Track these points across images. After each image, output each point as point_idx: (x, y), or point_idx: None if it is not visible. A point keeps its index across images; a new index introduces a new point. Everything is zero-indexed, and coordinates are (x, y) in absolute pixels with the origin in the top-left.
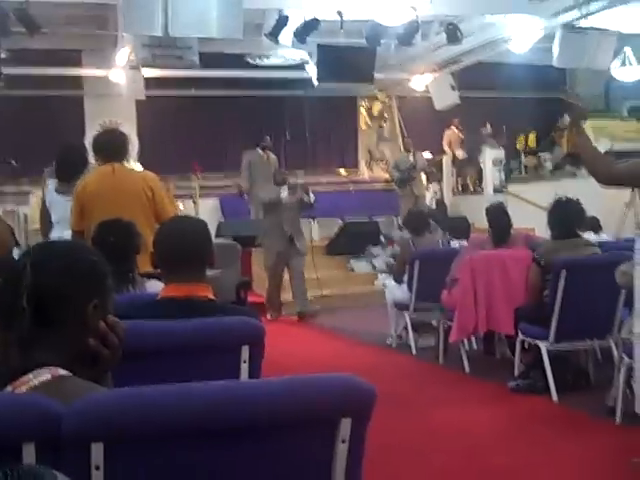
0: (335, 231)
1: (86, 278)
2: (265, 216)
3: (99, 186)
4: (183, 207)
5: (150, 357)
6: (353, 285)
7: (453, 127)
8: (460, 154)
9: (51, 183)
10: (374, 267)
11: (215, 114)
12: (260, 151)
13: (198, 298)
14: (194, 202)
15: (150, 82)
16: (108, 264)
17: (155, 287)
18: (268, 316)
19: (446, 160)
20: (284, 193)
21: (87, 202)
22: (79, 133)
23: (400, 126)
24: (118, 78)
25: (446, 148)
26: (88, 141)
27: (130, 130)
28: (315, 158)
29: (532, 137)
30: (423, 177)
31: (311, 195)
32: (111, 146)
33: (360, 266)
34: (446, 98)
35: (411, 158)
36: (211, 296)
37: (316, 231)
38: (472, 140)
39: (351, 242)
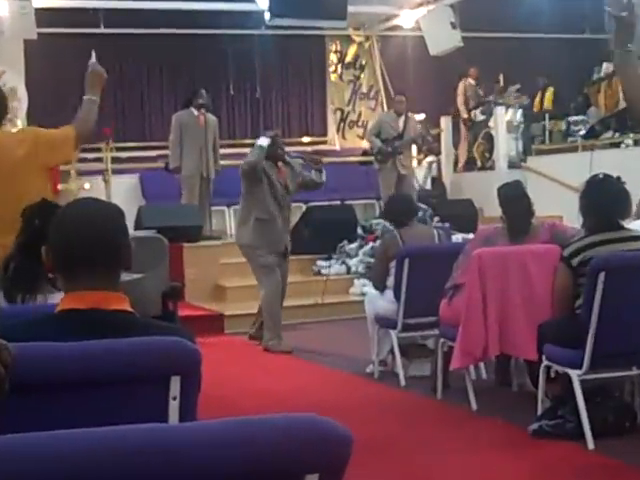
0: (295, 221)
1: None
2: (248, 207)
3: None
4: (89, 187)
5: (44, 391)
6: (321, 294)
7: (470, 79)
8: (477, 114)
9: None
10: (349, 270)
11: (133, 60)
12: (194, 111)
13: (109, 311)
14: (105, 180)
15: (43, 15)
16: None
17: (59, 298)
18: (266, 343)
19: (446, 124)
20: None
21: None
22: None
23: (383, 77)
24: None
25: (460, 106)
26: None
27: (17, 81)
28: (268, 121)
29: (549, 95)
30: (413, 148)
31: (324, 173)
32: None
33: (331, 269)
34: (444, 40)
35: (400, 123)
36: (128, 308)
37: None
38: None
39: (317, 236)
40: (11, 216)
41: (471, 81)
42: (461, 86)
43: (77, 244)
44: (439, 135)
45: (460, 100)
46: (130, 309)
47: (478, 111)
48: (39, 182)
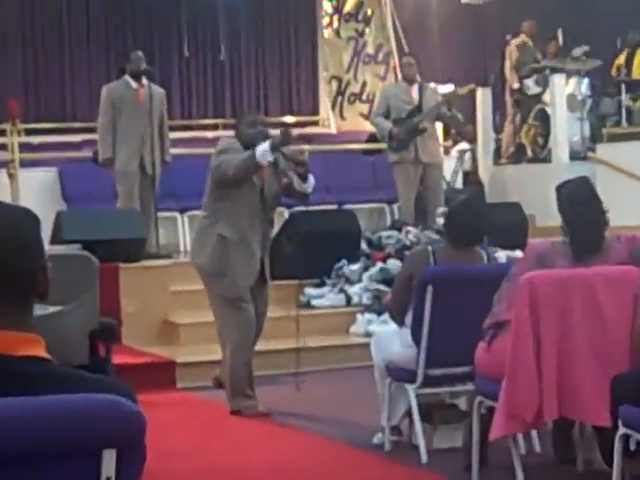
0: (275, 232)
1: None
2: (212, 218)
3: None
4: None
5: None
6: (311, 333)
7: (523, 36)
8: (531, 86)
9: None
10: (349, 301)
11: (49, 9)
12: (131, 82)
13: (17, 359)
14: (9, 175)
15: None
16: None
17: None
18: (232, 406)
19: (483, 98)
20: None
21: None
22: None
23: (396, 33)
24: None
25: (509, 73)
26: None
27: None
28: (239, 96)
29: (622, 57)
30: (438, 129)
31: (310, 179)
32: None
33: (324, 299)
34: None
35: (414, 93)
36: (43, 354)
37: None
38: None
39: (305, 253)
40: None
41: (525, 39)
42: (513, 45)
43: None
44: (473, 103)
45: (509, 65)
46: (46, 355)
47: (531, 80)
48: None
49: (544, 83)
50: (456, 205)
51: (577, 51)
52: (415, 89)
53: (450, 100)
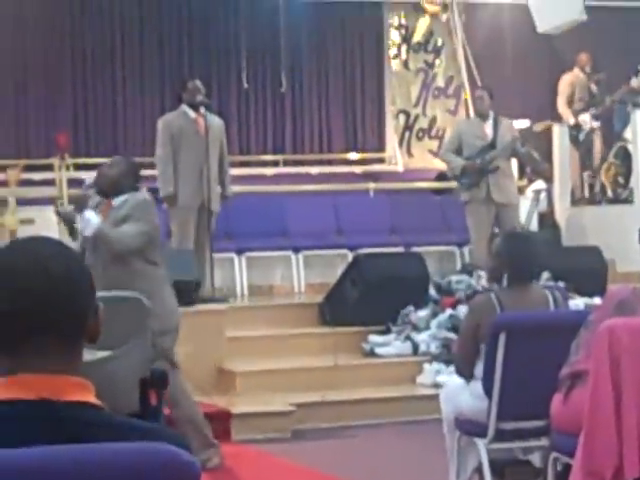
0: (338, 275)
1: None
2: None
3: None
4: (36, 222)
5: None
6: (375, 383)
7: (577, 69)
8: (587, 121)
9: None
10: (416, 349)
11: (100, 35)
12: (189, 112)
13: (65, 404)
14: (58, 213)
15: None
16: None
17: None
18: (206, 460)
19: (559, 133)
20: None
21: None
22: None
23: (468, 65)
24: None
25: (563, 109)
26: None
27: None
28: (300, 129)
29: None
30: (514, 167)
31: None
32: None
33: (389, 347)
34: (559, 11)
35: (487, 129)
36: (93, 400)
37: (300, 273)
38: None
39: (369, 298)
40: None
41: (579, 72)
42: (565, 80)
43: (20, 305)
44: (549, 142)
45: (562, 100)
46: (96, 401)
47: (588, 115)
48: None
49: (625, 120)
50: (501, 241)
51: None
52: (489, 124)
53: (526, 137)
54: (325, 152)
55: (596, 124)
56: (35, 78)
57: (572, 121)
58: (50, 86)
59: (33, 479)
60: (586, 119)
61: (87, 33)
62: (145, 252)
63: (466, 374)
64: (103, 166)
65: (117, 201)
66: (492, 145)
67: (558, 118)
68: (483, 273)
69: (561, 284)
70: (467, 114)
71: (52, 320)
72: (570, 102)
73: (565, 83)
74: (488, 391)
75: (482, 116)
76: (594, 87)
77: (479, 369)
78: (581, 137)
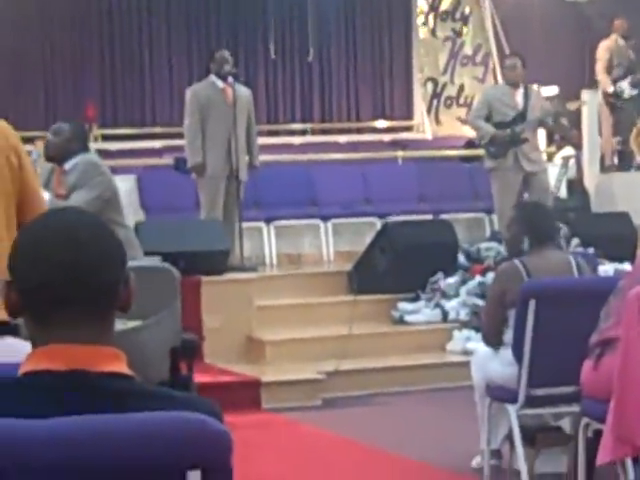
0: (367, 243)
1: None
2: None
3: None
4: None
5: None
6: (405, 351)
7: (615, 35)
8: (626, 88)
9: None
10: (446, 317)
11: (126, 5)
12: (218, 82)
13: (98, 375)
14: None
15: None
16: None
17: (10, 350)
18: None
19: (590, 100)
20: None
21: None
22: None
23: (496, 33)
24: None
25: (601, 76)
26: None
27: None
28: (328, 98)
29: None
30: (541, 135)
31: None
32: None
33: (419, 314)
34: None
35: (518, 98)
36: (125, 370)
37: (329, 242)
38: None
39: (399, 266)
40: None
41: (617, 38)
42: (603, 46)
43: (51, 276)
44: (579, 114)
45: (600, 66)
46: (127, 371)
47: (626, 82)
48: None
49: None
50: (516, 211)
51: None
52: (519, 93)
53: (558, 113)
54: (353, 121)
55: (634, 91)
56: (63, 49)
57: (611, 89)
58: (78, 57)
59: (60, 449)
60: (623, 86)
61: (115, 4)
62: (104, 215)
63: (494, 342)
64: (49, 134)
65: (68, 165)
66: (522, 115)
67: (588, 85)
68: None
69: (591, 250)
70: (495, 81)
71: (82, 291)
72: (609, 68)
73: (603, 49)
74: (518, 358)
75: (513, 84)
76: (632, 54)
77: (508, 336)
78: (619, 104)
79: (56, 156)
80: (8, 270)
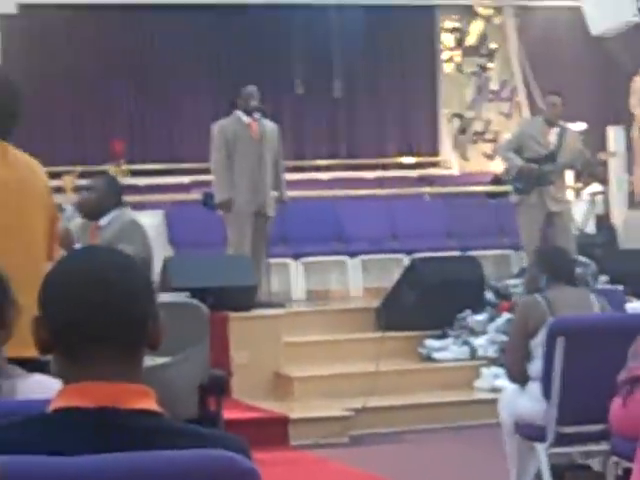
0: (395, 279)
1: None
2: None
3: None
4: None
5: None
6: (432, 388)
7: None
8: None
9: None
10: (474, 354)
11: (153, 43)
12: (242, 116)
13: (127, 412)
14: None
15: None
16: None
17: (39, 386)
18: None
19: (616, 137)
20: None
21: None
22: None
23: (522, 68)
24: None
25: (636, 110)
26: None
27: None
28: (354, 133)
29: None
30: (568, 173)
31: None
32: (7, 107)
33: (446, 351)
34: (612, 13)
35: (552, 137)
36: (154, 407)
37: (357, 279)
38: None
39: (427, 302)
40: (22, 270)
41: None
42: (636, 81)
43: (80, 315)
44: (605, 150)
45: (635, 100)
46: (157, 408)
47: None
48: (44, 230)
49: None
50: (536, 254)
51: None
52: (554, 132)
53: (589, 162)
54: (379, 156)
55: None
56: (91, 86)
57: None
58: (106, 93)
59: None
60: None
61: (141, 42)
62: None
63: (519, 378)
64: (83, 192)
65: (104, 221)
66: (553, 155)
67: (614, 121)
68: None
69: (619, 287)
70: (520, 116)
71: (112, 329)
72: None
73: (638, 84)
74: (547, 395)
75: (550, 122)
76: None
77: (533, 368)
78: None
79: (92, 212)
80: (38, 307)
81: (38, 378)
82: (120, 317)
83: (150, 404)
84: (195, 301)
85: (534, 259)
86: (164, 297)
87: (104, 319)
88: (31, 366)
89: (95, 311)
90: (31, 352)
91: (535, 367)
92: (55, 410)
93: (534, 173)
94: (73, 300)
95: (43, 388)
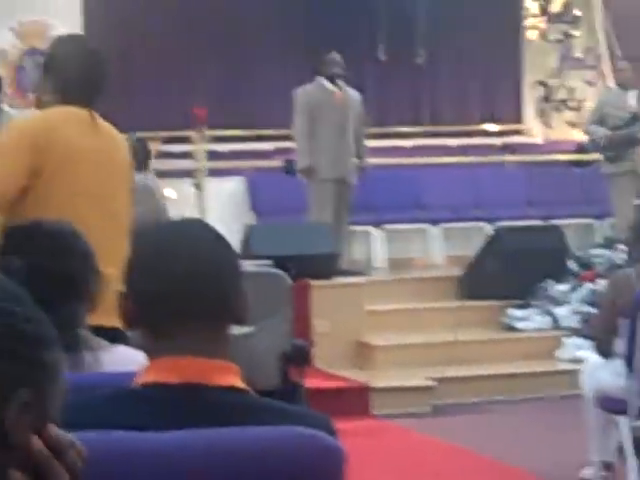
0: (477, 249)
1: (6, 355)
2: None
3: (80, 144)
4: (175, 194)
5: None
6: (514, 358)
7: None
8: None
9: None
10: (556, 323)
11: (232, 6)
12: (327, 84)
13: (212, 389)
14: (196, 186)
15: None
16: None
17: (123, 359)
18: None
19: None
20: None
21: (54, 166)
22: None
23: (607, 35)
24: None
25: None
26: None
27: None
28: (437, 100)
29: None
30: None
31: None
32: (93, 75)
33: (528, 321)
34: None
35: (631, 101)
36: (239, 384)
37: (440, 247)
38: None
39: (510, 272)
40: (108, 241)
41: None
42: None
43: (168, 289)
44: None
45: None
46: (242, 385)
47: None
48: (127, 202)
49: None
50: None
51: None
52: (632, 95)
53: None
54: (460, 122)
55: None
56: (172, 51)
57: None
58: (187, 59)
59: (174, 462)
60: None
61: (225, 6)
62: None
63: (605, 351)
64: None
65: None
66: (636, 117)
67: None
68: (623, 247)
69: None
70: (605, 85)
71: (199, 303)
72: None
73: None
74: (630, 369)
75: (624, 87)
76: None
77: (618, 346)
78: None
79: None
80: (124, 281)
81: (122, 350)
82: (207, 291)
83: (236, 380)
84: (277, 270)
85: (630, 230)
86: (246, 265)
87: (191, 293)
88: (113, 335)
89: (182, 285)
90: (114, 322)
91: (620, 345)
92: (142, 385)
93: (623, 137)
94: (160, 273)
95: (127, 361)
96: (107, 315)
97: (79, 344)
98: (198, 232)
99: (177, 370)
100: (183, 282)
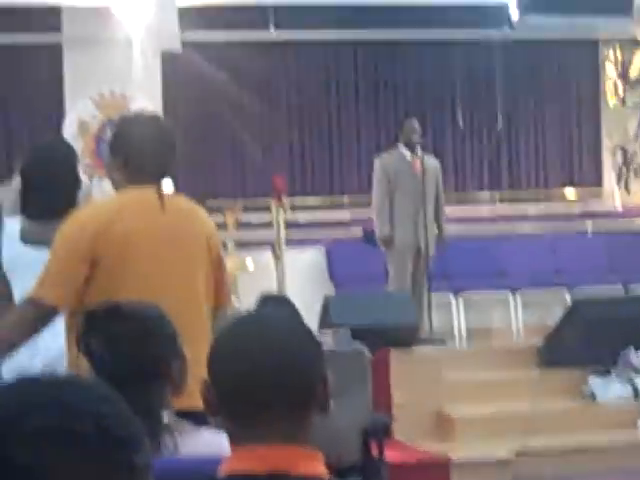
0: (557, 317)
1: (99, 459)
2: None
3: (144, 227)
4: (253, 266)
5: None
6: (595, 428)
7: None
8: None
9: (10, 224)
10: (637, 393)
11: (314, 77)
12: (406, 152)
13: (298, 477)
14: (275, 256)
15: (189, 17)
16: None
17: (208, 443)
18: None
19: None
20: None
21: (113, 255)
22: (53, 116)
23: None
24: (127, 10)
25: None
26: (70, 132)
27: (151, 109)
28: (514, 167)
29: None
30: None
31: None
32: (160, 152)
33: (609, 390)
34: None
35: None
36: (322, 471)
37: (517, 315)
38: None
39: (590, 341)
40: (187, 324)
41: None
42: None
43: (250, 381)
44: None
45: None
46: (324, 472)
47: None
48: (206, 280)
49: None
50: None
51: None
52: None
53: None
54: (541, 187)
55: None
56: (251, 121)
57: None
58: (266, 128)
59: None
60: None
61: (302, 76)
62: None
63: None
64: None
65: None
66: None
67: None
68: None
69: None
70: None
71: (282, 394)
72: None
73: None
74: None
75: None
76: None
77: None
78: None
79: None
80: (207, 370)
81: (206, 434)
82: (290, 382)
83: (319, 468)
84: (358, 346)
85: None
86: (327, 339)
87: (274, 385)
88: (197, 419)
89: (265, 377)
90: (198, 403)
91: None
92: (228, 475)
93: None
94: (242, 367)
95: (211, 445)
96: (190, 398)
97: (161, 429)
98: (280, 324)
99: (263, 459)
100: (265, 375)
